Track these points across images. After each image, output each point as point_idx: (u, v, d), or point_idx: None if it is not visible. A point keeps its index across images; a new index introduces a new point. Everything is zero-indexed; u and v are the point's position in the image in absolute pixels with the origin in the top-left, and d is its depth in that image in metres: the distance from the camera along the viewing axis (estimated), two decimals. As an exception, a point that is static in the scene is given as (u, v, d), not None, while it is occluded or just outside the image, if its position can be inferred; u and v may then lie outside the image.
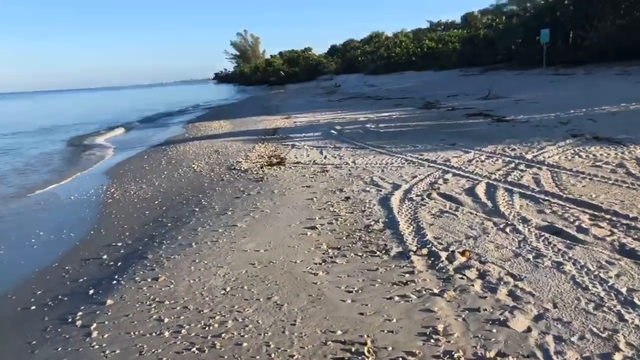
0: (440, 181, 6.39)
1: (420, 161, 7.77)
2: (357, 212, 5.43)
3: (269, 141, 12.34)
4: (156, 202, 7.40)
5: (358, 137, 11.06)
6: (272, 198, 6.50)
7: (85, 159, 14.08)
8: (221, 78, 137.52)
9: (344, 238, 4.69)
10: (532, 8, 29.41)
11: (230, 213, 6.01)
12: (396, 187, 6.33)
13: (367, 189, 6.42)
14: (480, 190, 5.83)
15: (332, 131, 12.66)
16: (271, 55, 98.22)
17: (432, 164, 7.46)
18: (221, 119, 21.64)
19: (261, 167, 8.79)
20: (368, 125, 12.94)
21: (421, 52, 44.81)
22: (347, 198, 6.05)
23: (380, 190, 6.23)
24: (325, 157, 9.11)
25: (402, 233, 4.62)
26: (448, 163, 7.41)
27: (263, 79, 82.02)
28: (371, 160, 8.29)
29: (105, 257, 5.13)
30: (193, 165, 9.94)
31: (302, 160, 9.13)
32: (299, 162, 8.92)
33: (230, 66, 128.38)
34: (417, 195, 5.83)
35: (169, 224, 5.99)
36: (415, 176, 6.81)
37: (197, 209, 6.50)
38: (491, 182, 6.13)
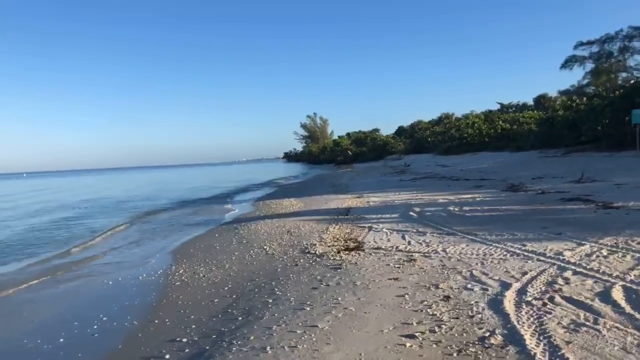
0: (560, 281, 5.27)
1: (525, 253, 6.67)
2: (463, 318, 4.45)
3: (342, 222, 11.66)
4: (226, 288, 6.77)
5: (442, 221, 10.11)
6: (355, 292, 5.65)
7: (157, 235, 14.07)
8: (290, 157, 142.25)
9: (455, 354, 3.71)
10: (621, 88, 27.92)
11: (308, 309, 5.21)
12: (505, 285, 5.29)
13: (469, 286, 5.42)
14: (618, 295, 4.67)
15: (411, 213, 11.80)
16: (339, 136, 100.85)
17: (541, 258, 6.34)
18: (291, 197, 21.45)
19: (338, 252, 8.03)
20: (451, 208, 11.97)
21: (494, 132, 43.75)
22: (447, 298, 5.08)
23: (487, 289, 5.22)
24: (409, 243, 8.21)
25: (532, 353, 3.58)
26: (561, 257, 6.27)
27: (330, 158, 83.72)
28: (465, 250, 7.29)
29: (167, 357, 4.44)
30: (265, 247, 9.38)
31: (383, 245, 8.29)
32: (380, 248, 8.08)
33: (299, 146, 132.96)
34: (536, 299, 4.76)
35: (240, 318, 5.27)
36: (525, 272, 5.74)
37: (270, 300, 5.77)
38: (628, 285, 4.95)
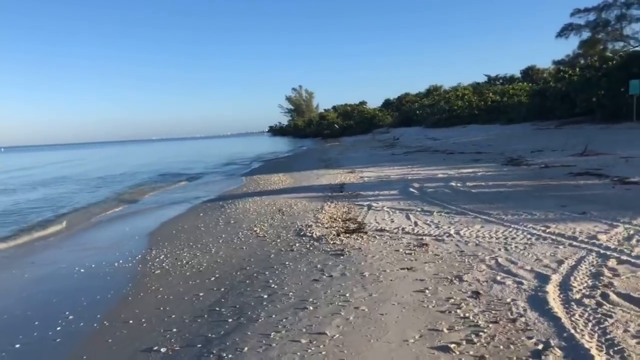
0: (607, 272, 4.50)
1: (552, 237, 5.90)
2: (504, 322, 3.66)
3: (338, 199, 10.82)
4: (212, 278, 5.91)
5: (447, 198, 9.32)
6: (364, 285, 4.83)
7: (136, 213, 13.09)
8: (275, 131, 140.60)
9: (507, 376, 2.92)
10: (611, 60, 27.17)
11: (311, 307, 4.38)
12: (542, 278, 4.51)
13: (499, 278, 4.63)
14: (683, 291, 3.92)
15: (411, 189, 10.99)
16: (325, 110, 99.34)
17: (574, 242, 5.58)
18: (280, 172, 20.53)
19: (337, 235, 7.19)
20: (453, 184, 11.18)
21: (484, 105, 43.01)
22: (477, 294, 4.28)
23: (521, 283, 4.43)
24: (415, 224, 7.41)
25: (606, 375, 2.80)
26: (597, 242, 5.51)
27: (317, 132, 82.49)
28: (481, 232, 6.51)
29: (141, 375, 3.59)
30: (255, 228, 8.51)
31: (387, 226, 7.47)
32: (384, 230, 7.26)
33: (284, 120, 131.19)
34: (585, 296, 3.99)
35: (230, 320, 4.42)
36: (561, 261, 4.97)
37: (265, 296, 4.93)
38: (689, 277, 4.21)
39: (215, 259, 6.85)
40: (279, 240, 7.40)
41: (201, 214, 11.15)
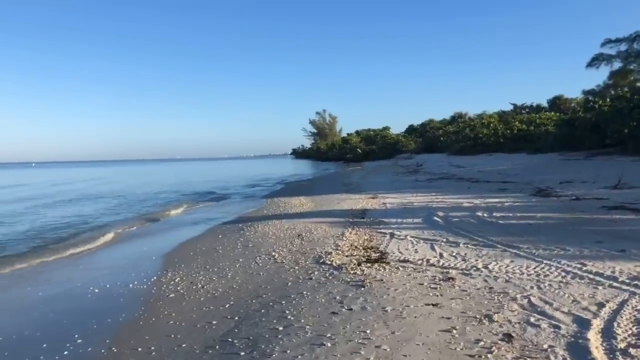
0: (654, 319, 4.11)
1: (590, 276, 5.50)
2: (541, 373, 3.31)
3: (359, 226, 10.54)
4: (227, 305, 5.68)
5: (474, 229, 8.95)
6: (386, 322, 4.53)
7: (156, 232, 13.03)
8: (298, 154, 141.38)
9: None
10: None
11: (329, 344, 4.10)
12: (581, 322, 4.14)
13: (532, 320, 4.28)
14: None
15: (436, 218, 10.64)
16: (348, 134, 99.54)
17: (614, 283, 5.18)
18: (301, 195, 20.36)
19: (358, 264, 6.90)
20: (479, 214, 10.80)
21: (510, 133, 42.36)
22: (509, 337, 3.94)
23: (558, 327, 4.07)
24: (440, 256, 7.07)
25: None
26: (639, 283, 5.10)
27: (339, 155, 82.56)
28: (511, 267, 6.14)
29: (144, 411, 3.35)
30: (274, 253, 8.28)
31: (410, 257, 7.15)
32: (407, 261, 6.94)
33: (307, 143, 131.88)
34: (631, 345, 3.61)
35: (242, 353, 4.16)
36: (601, 303, 4.58)
37: (280, 328, 4.66)
38: None
39: (231, 284, 6.63)
40: (297, 267, 7.14)
41: (220, 236, 10.99)
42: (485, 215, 10.60)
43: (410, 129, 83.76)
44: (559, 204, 11.74)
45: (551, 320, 4.23)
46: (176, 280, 7.15)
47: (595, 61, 31.59)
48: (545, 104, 64.40)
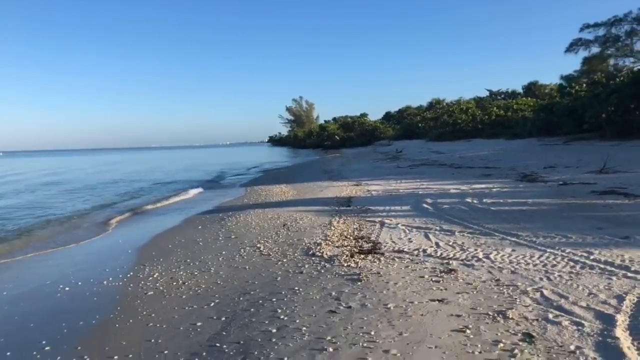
0: (681, 312, 3.81)
1: (600, 265, 5.20)
2: (575, 379, 2.95)
3: (346, 214, 10.13)
4: (212, 303, 5.20)
5: (467, 217, 8.64)
6: (390, 321, 4.12)
7: (130, 223, 12.36)
8: (275, 141, 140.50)
9: None
10: (627, 74, 26.67)
11: (331, 349, 3.67)
12: (605, 318, 3.81)
13: (551, 316, 3.93)
14: None
15: (425, 205, 10.31)
16: (325, 121, 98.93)
17: (627, 272, 4.89)
18: (281, 183, 19.86)
19: (351, 256, 6.49)
20: (469, 200, 10.51)
21: (489, 119, 42.52)
22: (529, 336, 3.57)
23: (581, 324, 3.73)
24: (437, 245, 6.71)
25: None
26: (654, 272, 4.82)
27: (317, 142, 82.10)
28: (514, 257, 5.81)
29: None
30: (259, 245, 7.80)
31: (405, 247, 6.78)
32: (402, 251, 6.56)
33: (284, 130, 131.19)
34: (665, 344, 3.29)
35: (233, 361, 3.70)
36: (620, 296, 4.27)
37: (273, 330, 4.21)
38: None
39: (215, 280, 6.14)
40: (285, 260, 6.69)
41: (199, 227, 10.44)
42: (475, 201, 10.32)
43: (388, 116, 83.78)
44: (548, 189, 11.55)
45: (571, 316, 3.89)
46: (155, 276, 6.62)
47: (574, 46, 31.72)
48: (520, 90, 65.19)
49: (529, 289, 4.62)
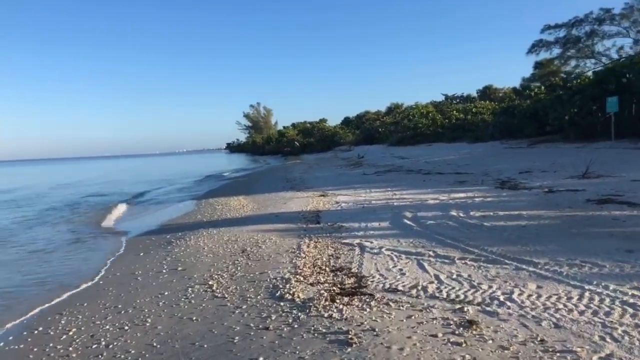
0: None
1: (666, 310, 3.93)
2: None
3: (316, 234, 8.65)
4: (139, 389, 3.56)
5: (460, 236, 7.32)
6: None
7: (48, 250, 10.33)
8: (233, 148, 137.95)
9: None
10: (592, 75, 26.53)
11: None
12: None
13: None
14: None
15: (406, 221, 8.97)
16: (284, 127, 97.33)
17: None
18: (240, 194, 18.16)
19: (332, 299, 4.99)
20: (454, 213, 9.24)
21: (449, 123, 42.18)
22: None
23: None
24: (438, 280, 5.32)
25: None
26: None
27: (276, 149, 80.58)
28: (544, 298, 4.47)
29: None
30: (211, 282, 6.18)
31: (399, 284, 5.34)
32: (397, 290, 5.13)
33: (242, 136, 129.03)
34: None
35: None
36: None
37: None
38: None
39: (149, 339, 4.50)
40: (245, 307, 5.11)
41: (141, 254, 8.69)
42: (462, 215, 9.06)
43: (347, 121, 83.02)
44: (536, 198, 10.47)
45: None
46: (70, 333, 4.91)
47: (535, 47, 31.60)
48: (475, 94, 66.08)
49: (594, 357, 3.27)
